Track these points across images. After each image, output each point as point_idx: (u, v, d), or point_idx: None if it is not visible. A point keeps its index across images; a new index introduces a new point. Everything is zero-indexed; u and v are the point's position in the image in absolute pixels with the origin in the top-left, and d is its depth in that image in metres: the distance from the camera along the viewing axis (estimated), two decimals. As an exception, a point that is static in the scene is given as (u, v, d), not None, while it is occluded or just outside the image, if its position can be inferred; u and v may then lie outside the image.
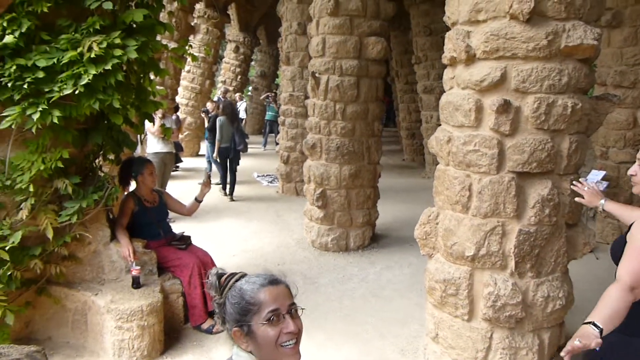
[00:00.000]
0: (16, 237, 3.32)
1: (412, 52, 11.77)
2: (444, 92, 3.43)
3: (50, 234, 3.41)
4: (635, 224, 2.15)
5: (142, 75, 3.85)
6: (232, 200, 9.09)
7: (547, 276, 3.07)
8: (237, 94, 16.01)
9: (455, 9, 3.19)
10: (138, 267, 3.79)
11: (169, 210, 4.57)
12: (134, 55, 3.38)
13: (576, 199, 2.74)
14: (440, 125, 3.43)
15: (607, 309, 1.92)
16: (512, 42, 2.84)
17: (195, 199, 4.52)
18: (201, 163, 12.86)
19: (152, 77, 4.08)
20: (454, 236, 3.17)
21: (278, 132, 17.46)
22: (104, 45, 3.24)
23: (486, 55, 2.95)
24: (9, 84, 3.18)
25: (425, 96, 11.24)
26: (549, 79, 2.82)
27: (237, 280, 1.38)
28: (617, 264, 2.16)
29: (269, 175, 11.47)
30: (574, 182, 2.79)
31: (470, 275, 3.12)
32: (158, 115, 7.15)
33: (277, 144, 16.91)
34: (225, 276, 1.40)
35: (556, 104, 2.84)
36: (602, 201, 2.61)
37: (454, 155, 3.16)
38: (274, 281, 1.38)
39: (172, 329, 4.02)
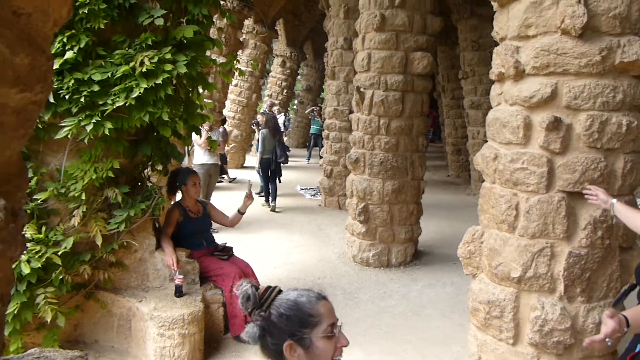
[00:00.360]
0: (68, 243, 3.47)
1: (459, 67, 11.62)
2: (491, 108, 3.35)
3: (99, 241, 3.54)
4: None
5: (190, 89, 3.97)
6: (274, 211, 9.23)
7: (599, 301, 2.91)
8: (276, 107, 16.20)
9: (504, 24, 3.13)
10: (181, 276, 3.87)
11: (212, 221, 4.65)
12: (183, 70, 3.48)
13: (585, 196, 2.69)
14: (487, 141, 3.35)
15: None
16: (564, 58, 2.76)
17: (238, 210, 4.58)
18: (246, 174, 13.08)
19: (200, 90, 4.19)
20: (499, 256, 3.07)
21: (322, 146, 17.60)
22: (155, 60, 3.37)
23: (536, 71, 2.88)
24: (67, 97, 3.35)
25: (472, 112, 11.05)
26: (603, 95, 2.71)
27: (278, 294, 1.37)
28: None
29: (312, 188, 11.52)
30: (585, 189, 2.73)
31: (516, 297, 3.01)
32: (205, 127, 7.35)
33: (321, 157, 17.05)
34: (262, 289, 1.39)
35: (610, 121, 2.72)
36: (614, 201, 2.56)
37: (500, 173, 3.07)
38: (324, 296, 1.38)
39: (212, 338, 4.06)
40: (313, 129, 17.31)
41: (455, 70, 12.88)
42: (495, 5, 3.27)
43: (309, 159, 16.84)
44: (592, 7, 2.68)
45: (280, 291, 1.39)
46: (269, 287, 1.41)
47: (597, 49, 2.68)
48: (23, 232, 0.83)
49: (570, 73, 2.77)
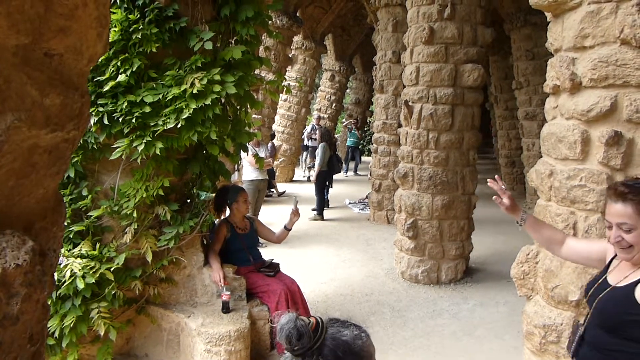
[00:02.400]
0: (120, 259, 3.58)
1: (513, 77, 11.28)
2: (546, 120, 3.21)
3: (149, 257, 3.64)
4: None
5: (238, 108, 4.04)
6: (323, 219, 9.55)
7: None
8: (314, 119, 16.20)
9: (559, 34, 3.00)
10: (228, 293, 3.90)
11: (259, 237, 4.68)
12: (232, 90, 3.55)
13: (494, 198, 2.42)
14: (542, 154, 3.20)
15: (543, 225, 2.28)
16: (624, 69, 2.59)
17: (285, 227, 4.59)
18: (295, 188, 13.17)
19: (248, 109, 4.26)
20: (556, 278, 2.90)
21: (359, 160, 17.47)
22: (205, 81, 3.45)
23: (594, 83, 2.72)
24: (120, 119, 3.48)
25: (527, 123, 10.67)
26: (668, 108, 2.52)
27: (327, 329, 1.26)
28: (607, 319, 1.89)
29: (361, 202, 11.45)
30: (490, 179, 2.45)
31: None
32: (251, 144, 7.47)
33: (355, 171, 16.98)
34: (312, 325, 1.27)
35: (676, 136, 2.53)
36: (524, 215, 2.35)
37: (556, 190, 2.92)
38: (369, 334, 1.31)
39: (259, 354, 4.06)
40: (350, 141, 17.25)
41: (508, 80, 12.53)
42: (549, 15, 3.14)
43: (346, 172, 16.78)
44: (654, 15, 2.51)
45: (327, 325, 1.27)
46: (318, 320, 1.27)
47: (661, 59, 2.50)
48: (52, 272, 0.85)
49: (631, 85, 2.60)
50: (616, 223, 1.82)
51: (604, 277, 1.97)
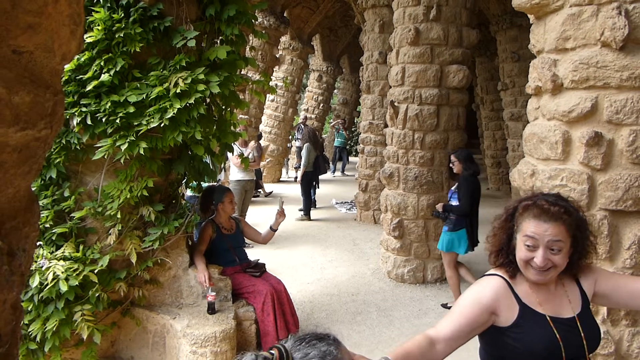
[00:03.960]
0: (104, 261, 3.55)
1: (499, 79, 11.39)
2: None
3: (134, 259, 3.60)
4: None
5: (223, 108, 4.02)
6: (309, 220, 9.55)
7: (647, 326, 2.74)
8: (301, 119, 16.25)
9: (541, 36, 3.03)
10: (214, 293, 3.88)
11: (245, 238, 4.67)
12: (216, 90, 3.53)
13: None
14: (529, 154, 3.24)
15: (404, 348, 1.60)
16: (604, 71, 2.63)
17: (271, 227, 4.58)
18: (283, 189, 13.16)
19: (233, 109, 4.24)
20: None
21: (347, 160, 17.53)
22: (189, 80, 3.42)
23: (575, 84, 2.76)
24: (104, 119, 3.44)
25: (512, 123, 10.78)
26: (647, 109, 2.57)
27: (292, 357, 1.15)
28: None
29: (347, 202, 11.46)
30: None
31: (557, 321, 2.86)
32: (237, 144, 7.45)
33: (342, 171, 17.04)
34: (276, 357, 1.12)
35: (655, 137, 2.57)
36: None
37: (538, 190, 2.95)
38: (337, 338, 1.25)
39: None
40: (337, 141, 17.31)
41: (494, 81, 12.64)
42: (531, 17, 3.18)
43: (333, 172, 16.84)
44: (633, 19, 2.55)
45: (291, 353, 1.15)
46: (280, 353, 1.14)
47: (640, 61, 2.54)
48: (22, 272, 0.83)
49: (611, 87, 2.64)
50: (548, 242, 1.65)
51: (544, 315, 1.71)
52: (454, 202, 5.28)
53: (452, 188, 5.42)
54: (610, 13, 2.58)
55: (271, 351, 1.12)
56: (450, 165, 5.44)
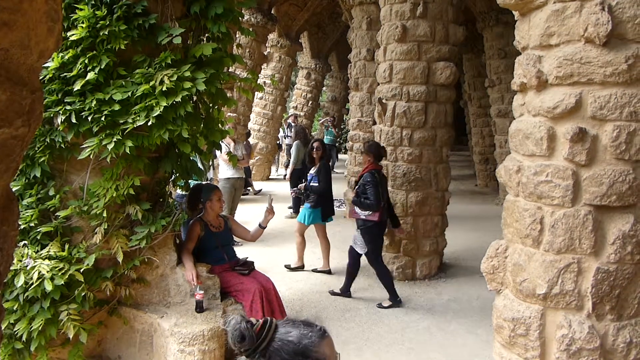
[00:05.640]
0: (90, 260, 3.52)
1: (486, 75, 11.46)
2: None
3: (120, 258, 3.58)
4: None
5: (210, 105, 4.00)
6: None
7: (630, 319, 2.77)
8: (290, 117, 16.20)
9: (526, 33, 3.05)
10: (202, 292, 3.87)
11: (233, 235, 4.66)
12: (202, 87, 3.51)
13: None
14: (513, 151, 3.26)
15: None
16: (588, 67, 2.66)
17: (259, 225, 4.58)
18: (272, 187, 13.13)
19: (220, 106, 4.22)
20: (524, 272, 2.96)
21: (336, 158, 17.49)
22: (175, 78, 3.40)
23: (559, 80, 2.78)
24: (89, 117, 3.41)
25: (499, 120, 10.85)
26: (630, 105, 2.60)
27: (275, 330, 1.25)
28: None
29: (337, 199, 11.46)
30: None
31: (542, 314, 2.89)
32: (224, 142, 7.41)
33: (332, 168, 17.00)
34: (259, 326, 1.26)
35: (638, 132, 2.60)
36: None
37: (524, 185, 2.98)
38: (326, 331, 1.29)
39: (233, 354, 4.03)
40: (327, 139, 17.26)
41: (481, 78, 12.72)
42: (516, 14, 3.20)
43: None
44: (617, 14, 2.58)
45: (277, 326, 1.26)
46: (265, 321, 1.26)
47: (623, 57, 2.57)
48: (1, 271, 0.82)
49: (595, 82, 2.67)
50: None
51: None
52: (314, 184, 6.33)
53: (312, 172, 6.48)
54: (594, 9, 2.60)
55: (259, 320, 1.26)
56: (312, 153, 6.50)
